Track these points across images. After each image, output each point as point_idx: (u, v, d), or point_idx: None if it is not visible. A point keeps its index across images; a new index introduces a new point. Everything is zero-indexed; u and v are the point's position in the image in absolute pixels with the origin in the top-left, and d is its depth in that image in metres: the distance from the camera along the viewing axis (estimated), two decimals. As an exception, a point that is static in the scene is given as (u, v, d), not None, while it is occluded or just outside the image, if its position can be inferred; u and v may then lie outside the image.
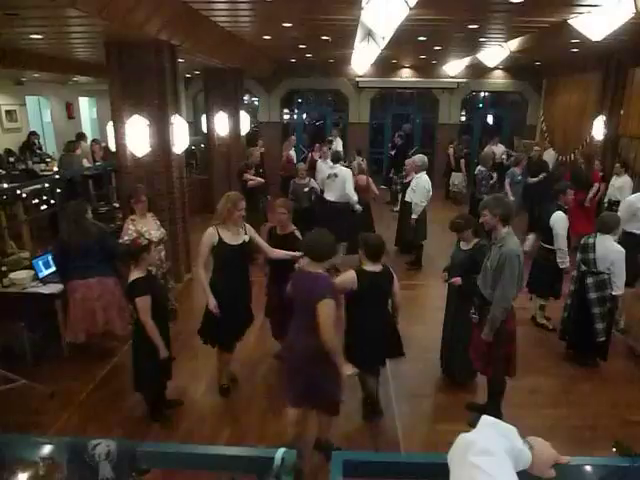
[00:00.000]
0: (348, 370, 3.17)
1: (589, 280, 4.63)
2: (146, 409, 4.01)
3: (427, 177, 7.25)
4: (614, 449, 1.43)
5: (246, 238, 3.97)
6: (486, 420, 1.09)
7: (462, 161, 11.52)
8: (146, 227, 4.50)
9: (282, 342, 4.34)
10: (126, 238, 4.37)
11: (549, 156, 10.99)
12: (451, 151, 12.27)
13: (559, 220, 5.17)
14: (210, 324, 4.05)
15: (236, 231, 3.95)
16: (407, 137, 12.43)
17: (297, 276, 3.41)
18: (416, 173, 7.33)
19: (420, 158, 7.43)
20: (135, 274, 3.65)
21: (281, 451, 1.29)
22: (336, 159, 7.49)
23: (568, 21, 5.75)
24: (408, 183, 7.54)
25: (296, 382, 3.26)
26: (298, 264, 3.84)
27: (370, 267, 3.65)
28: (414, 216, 7.14)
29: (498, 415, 3.82)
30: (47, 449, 1.40)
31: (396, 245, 8.20)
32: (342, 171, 7.20)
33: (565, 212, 5.28)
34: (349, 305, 3.72)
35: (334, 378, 3.16)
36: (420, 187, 7.14)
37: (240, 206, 3.90)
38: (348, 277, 3.64)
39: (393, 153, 12.21)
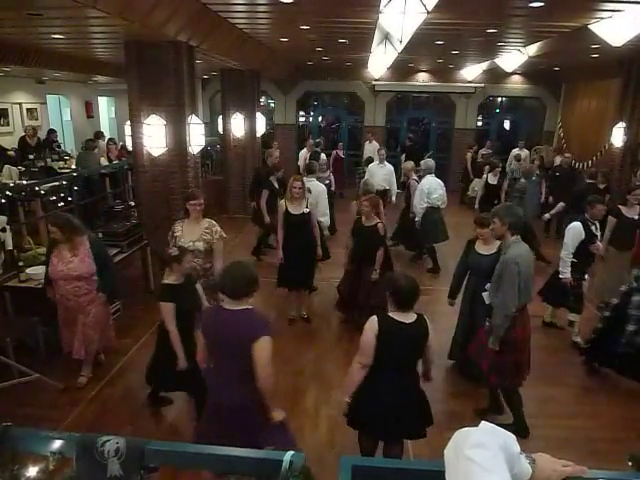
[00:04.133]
0: (279, 415, 2.82)
1: (636, 298, 4.41)
2: (146, 395, 4.06)
3: (433, 179, 7.26)
4: (630, 463, 1.40)
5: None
6: (485, 425, 1.10)
7: (486, 168, 11.14)
8: (184, 233, 4.30)
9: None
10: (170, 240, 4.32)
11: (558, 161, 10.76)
12: (469, 156, 12.00)
13: (572, 229, 5.00)
14: None
15: None
16: (415, 140, 12.51)
17: (211, 314, 2.88)
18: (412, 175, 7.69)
19: (425, 162, 7.53)
20: (167, 279, 3.66)
21: (289, 454, 1.28)
22: (310, 170, 6.85)
23: (589, 26, 5.67)
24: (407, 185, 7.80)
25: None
26: None
27: (399, 316, 2.90)
28: (417, 219, 7.29)
29: (522, 428, 3.75)
30: (57, 444, 1.41)
31: (392, 239, 8.02)
32: (317, 187, 6.46)
33: (586, 226, 4.98)
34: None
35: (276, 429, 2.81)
36: (419, 189, 7.25)
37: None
38: (368, 329, 2.89)
39: (403, 157, 12.21)
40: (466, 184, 12.02)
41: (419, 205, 7.21)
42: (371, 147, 11.70)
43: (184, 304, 3.58)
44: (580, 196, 7.04)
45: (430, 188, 7.16)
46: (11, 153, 9.60)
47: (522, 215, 3.72)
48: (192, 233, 4.35)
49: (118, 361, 4.82)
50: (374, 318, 2.90)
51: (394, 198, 8.39)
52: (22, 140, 10.53)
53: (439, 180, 7.39)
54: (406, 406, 2.95)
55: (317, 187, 6.41)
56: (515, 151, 11.55)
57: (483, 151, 11.95)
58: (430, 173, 7.32)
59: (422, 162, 7.69)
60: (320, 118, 15.30)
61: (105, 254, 4.58)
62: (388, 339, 2.83)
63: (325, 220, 6.44)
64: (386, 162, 8.82)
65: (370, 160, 9.63)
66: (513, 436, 1.10)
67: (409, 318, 2.89)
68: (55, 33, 5.98)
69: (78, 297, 4.27)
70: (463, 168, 12.35)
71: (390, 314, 2.91)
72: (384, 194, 8.17)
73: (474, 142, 12.79)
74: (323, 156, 10.05)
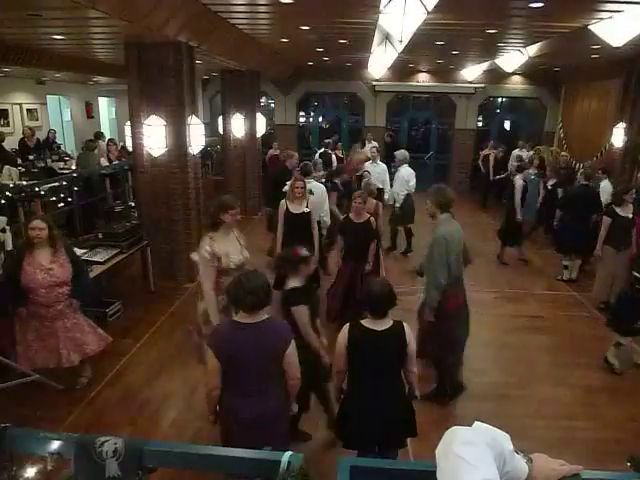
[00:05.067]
0: (295, 407, 2.96)
1: None
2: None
3: (409, 169, 7.96)
4: (628, 464, 1.40)
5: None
6: (476, 424, 1.11)
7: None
8: (227, 249, 3.73)
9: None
10: (196, 258, 3.76)
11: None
12: (492, 157, 11.42)
13: None
14: None
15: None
16: (395, 137, 13.05)
17: (229, 331, 2.64)
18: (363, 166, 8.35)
19: (401, 152, 8.16)
20: (292, 283, 3.41)
21: (287, 455, 1.28)
22: (306, 172, 6.56)
23: (589, 26, 5.67)
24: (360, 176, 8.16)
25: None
26: None
27: (371, 324, 2.81)
28: (397, 205, 8.00)
29: (459, 386, 4.13)
30: (56, 444, 1.41)
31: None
32: (318, 187, 6.41)
33: None
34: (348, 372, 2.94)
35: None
36: (399, 178, 7.97)
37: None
38: (339, 338, 2.85)
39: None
40: (483, 184, 11.87)
41: (400, 192, 7.92)
42: (368, 147, 11.65)
43: (312, 306, 3.41)
44: (572, 198, 7.03)
45: (409, 177, 7.90)
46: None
47: (450, 196, 3.91)
48: (232, 245, 3.85)
49: (118, 361, 4.81)
50: (345, 327, 2.86)
51: (387, 196, 8.29)
52: (22, 142, 10.56)
53: (412, 170, 8.05)
54: (386, 412, 2.84)
55: (318, 188, 6.41)
56: (516, 152, 11.34)
57: (487, 151, 11.89)
58: (406, 163, 8.00)
59: (398, 152, 8.20)
60: (320, 118, 15.29)
61: (79, 259, 4.51)
62: (359, 348, 2.78)
63: (328, 219, 6.44)
64: (379, 161, 8.80)
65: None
66: (506, 435, 1.11)
67: (382, 325, 2.79)
68: (55, 34, 5.99)
69: (59, 303, 4.07)
70: (480, 166, 11.96)
71: (362, 322, 2.84)
72: (379, 193, 8.11)
73: (499, 142, 12.13)
74: (333, 157, 10.28)
